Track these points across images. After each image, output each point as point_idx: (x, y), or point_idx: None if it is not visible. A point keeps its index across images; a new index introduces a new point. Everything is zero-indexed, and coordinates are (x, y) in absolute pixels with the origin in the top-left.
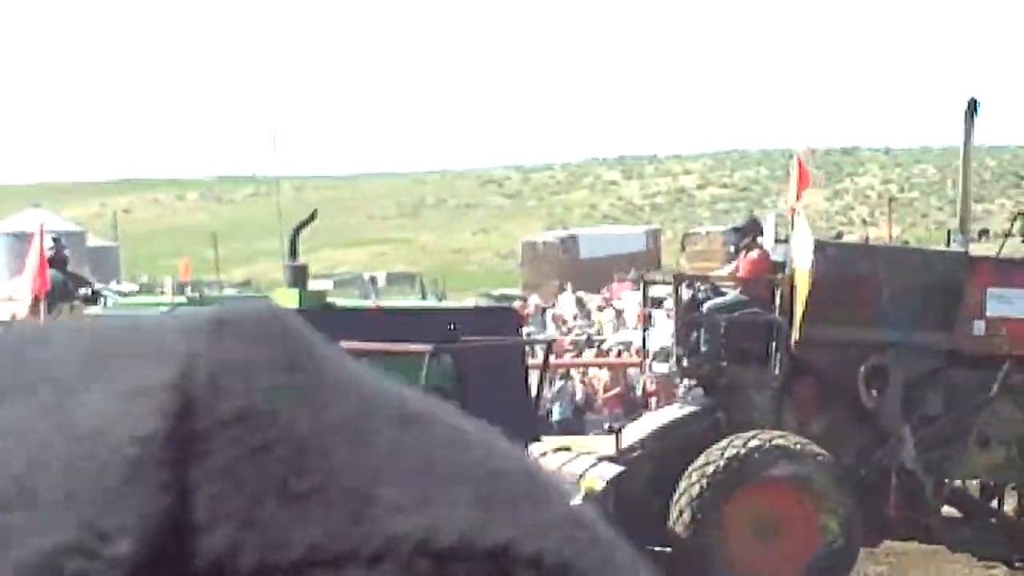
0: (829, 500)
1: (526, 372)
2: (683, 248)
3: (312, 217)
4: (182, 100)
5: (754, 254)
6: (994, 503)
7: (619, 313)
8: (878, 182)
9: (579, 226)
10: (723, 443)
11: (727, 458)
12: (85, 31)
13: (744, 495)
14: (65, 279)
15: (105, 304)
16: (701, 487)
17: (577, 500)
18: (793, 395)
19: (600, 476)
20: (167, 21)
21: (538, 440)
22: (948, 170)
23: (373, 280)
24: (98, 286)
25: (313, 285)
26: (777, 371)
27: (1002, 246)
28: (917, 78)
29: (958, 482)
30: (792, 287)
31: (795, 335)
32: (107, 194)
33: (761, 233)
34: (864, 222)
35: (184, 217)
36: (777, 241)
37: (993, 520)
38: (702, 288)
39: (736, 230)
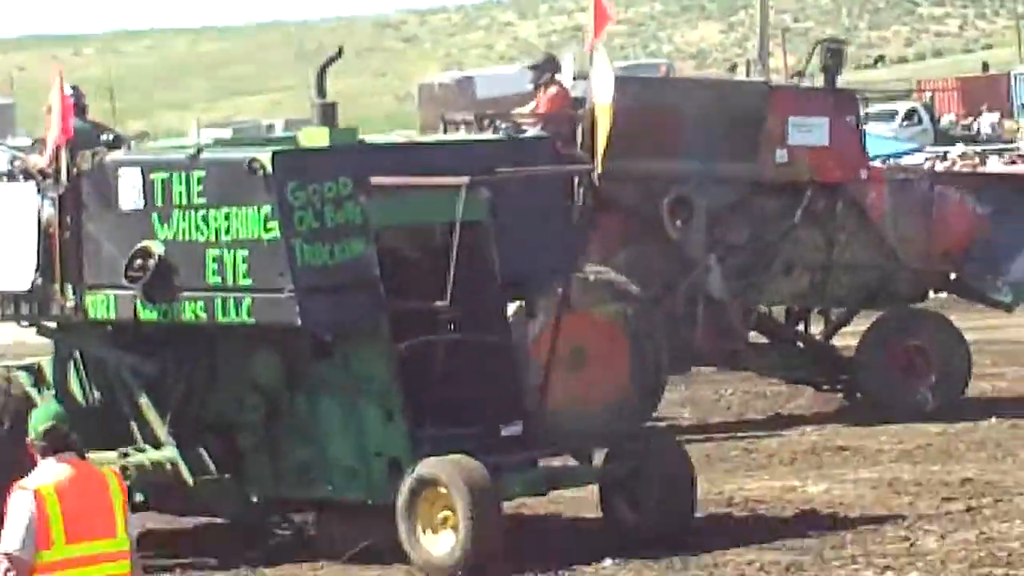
0: (595, 295)
1: (568, 203)
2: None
3: (339, 54)
4: None
5: (553, 90)
6: (800, 328)
7: None
8: (773, 13)
9: (476, 68)
10: None
11: None
12: None
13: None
14: (89, 126)
15: (128, 150)
16: None
17: None
18: (598, 229)
19: None
20: None
21: (581, 272)
22: None
23: (271, 128)
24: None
25: (211, 134)
26: (581, 205)
27: (802, 74)
28: None
29: (764, 308)
30: (593, 122)
31: (598, 169)
32: (1, 52)
33: (559, 70)
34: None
35: (81, 72)
36: (575, 78)
37: (800, 345)
38: (503, 126)
39: (534, 67)
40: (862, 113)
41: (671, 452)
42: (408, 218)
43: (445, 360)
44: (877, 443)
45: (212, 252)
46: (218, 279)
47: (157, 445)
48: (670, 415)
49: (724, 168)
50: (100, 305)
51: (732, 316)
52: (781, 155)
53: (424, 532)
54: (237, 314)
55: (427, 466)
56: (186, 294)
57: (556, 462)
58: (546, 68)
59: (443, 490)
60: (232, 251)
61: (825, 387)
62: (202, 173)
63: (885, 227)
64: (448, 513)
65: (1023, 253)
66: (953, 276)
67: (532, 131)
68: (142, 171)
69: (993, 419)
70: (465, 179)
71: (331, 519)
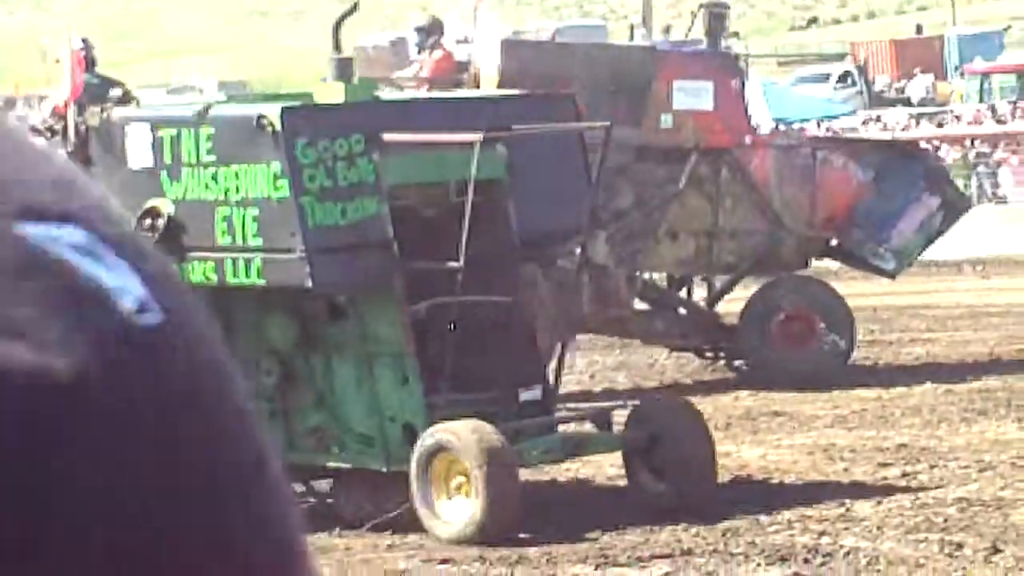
0: None
1: (586, 161)
2: None
3: (354, 8)
4: None
5: (438, 54)
6: (683, 294)
7: None
8: None
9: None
10: None
11: None
12: None
13: None
14: (99, 81)
15: (138, 105)
16: None
17: None
18: None
19: None
20: None
21: (601, 229)
22: None
23: (201, 91)
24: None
25: (145, 96)
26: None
27: (686, 39)
28: None
29: (647, 275)
30: (478, 87)
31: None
32: None
33: (443, 33)
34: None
35: (13, 34)
36: (458, 42)
37: (683, 311)
38: (386, 91)
39: (419, 30)
40: (775, 77)
41: (689, 419)
42: (422, 176)
43: (461, 322)
44: (812, 408)
45: (222, 211)
46: (228, 239)
47: None
48: (604, 380)
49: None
50: None
51: (618, 283)
52: (666, 120)
53: (439, 499)
54: (247, 275)
55: (440, 431)
56: (196, 255)
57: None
58: (432, 31)
59: (457, 456)
60: (242, 210)
61: (709, 354)
62: (211, 130)
63: (770, 193)
64: (463, 480)
65: (904, 219)
66: (835, 243)
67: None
68: (151, 128)
69: (928, 384)
70: (479, 135)
71: (350, 486)
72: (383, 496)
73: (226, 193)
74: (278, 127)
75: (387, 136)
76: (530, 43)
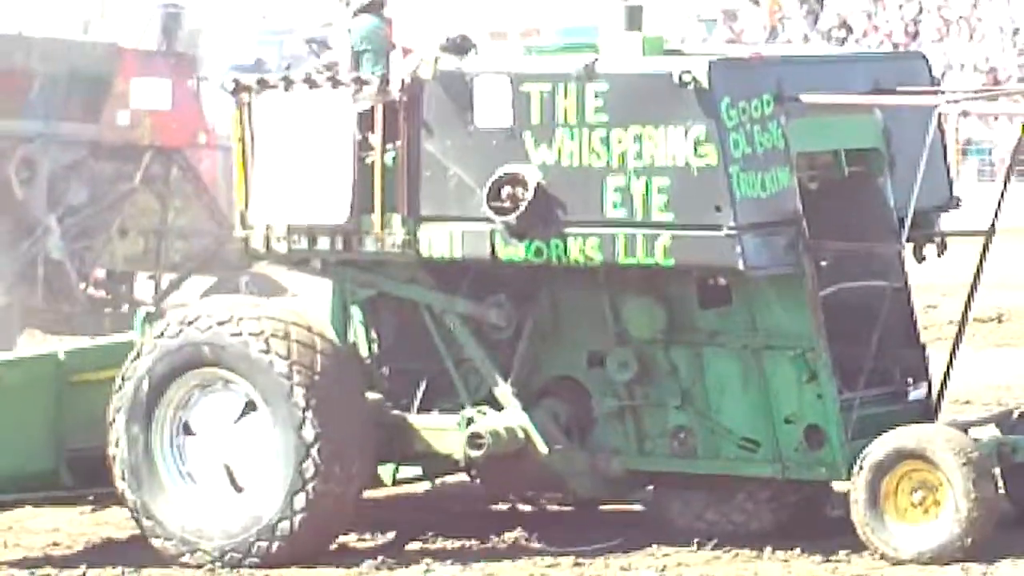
0: None
1: (942, 129)
2: None
3: None
4: None
5: None
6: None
7: None
8: None
9: None
10: None
11: None
12: None
13: None
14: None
15: (477, 55)
16: None
17: None
18: None
19: None
20: None
21: (958, 206)
22: None
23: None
24: None
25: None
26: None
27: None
28: None
29: (102, 272)
30: None
31: None
32: None
33: None
34: None
35: None
36: None
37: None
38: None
39: None
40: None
41: None
42: (824, 143)
43: (848, 310)
44: None
45: (614, 180)
46: (624, 213)
47: (496, 407)
48: None
49: (68, 128)
50: (439, 240)
51: (70, 278)
52: (123, 117)
53: (895, 516)
54: (649, 255)
55: (905, 437)
56: (575, 230)
57: None
58: None
59: (928, 467)
60: (644, 180)
61: None
62: (603, 86)
63: (218, 193)
64: (925, 493)
65: None
66: None
67: None
68: (511, 81)
69: None
70: (939, 99)
71: (688, 493)
72: (730, 505)
73: (621, 159)
74: (704, 84)
75: (805, 97)
76: None
